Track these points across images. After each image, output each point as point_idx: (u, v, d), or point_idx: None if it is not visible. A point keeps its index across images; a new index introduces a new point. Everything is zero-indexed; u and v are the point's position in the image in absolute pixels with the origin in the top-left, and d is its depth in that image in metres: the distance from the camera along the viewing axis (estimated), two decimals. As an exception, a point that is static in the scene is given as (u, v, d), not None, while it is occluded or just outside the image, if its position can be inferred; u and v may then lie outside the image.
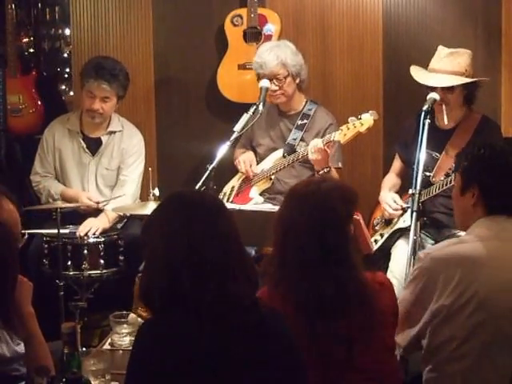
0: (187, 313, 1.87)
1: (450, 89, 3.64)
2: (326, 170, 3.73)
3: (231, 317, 1.89)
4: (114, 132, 4.20)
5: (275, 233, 2.29)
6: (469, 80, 3.67)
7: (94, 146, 4.19)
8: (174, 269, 1.87)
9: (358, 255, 2.30)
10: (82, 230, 3.91)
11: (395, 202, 3.81)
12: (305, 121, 4.05)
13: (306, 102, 4.11)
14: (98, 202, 4.03)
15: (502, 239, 2.34)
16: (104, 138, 4.18)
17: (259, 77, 3.97)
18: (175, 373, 1.84)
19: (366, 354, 2.22)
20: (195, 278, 1.86)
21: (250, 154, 4.17)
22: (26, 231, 3.86)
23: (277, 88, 3.95)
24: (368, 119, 3.59)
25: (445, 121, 3.66)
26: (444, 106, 3.65)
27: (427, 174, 3.68)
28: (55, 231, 3.66)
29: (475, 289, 2.25)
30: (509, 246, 2.34)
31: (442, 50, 3.74)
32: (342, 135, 3.63)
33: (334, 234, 2.22)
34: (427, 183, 3.67)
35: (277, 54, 3.93)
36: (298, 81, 4.01)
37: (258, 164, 4.13)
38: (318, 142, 3.69)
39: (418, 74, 3.76)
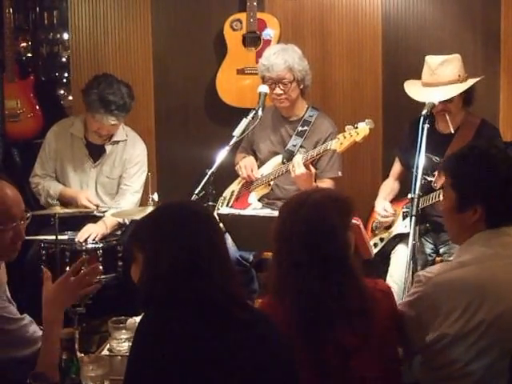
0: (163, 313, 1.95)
1: (450, 99, 3.65)
2: None
3: (210, 317, 1.94)
4: (118, 141, 4.18)
5: (273, 245, 2.28)
6: (466, 86, 3.68)
7: (96, 153, 4.18)
8: (152, 273, 1.99)
9: (358, 263, 2.29)
10: (81, 235, 3.90)
11: (385, 210, 3.87)
12: (305, 127, 4.03)
13: (308, 108, 4.09)
14: (97, 205, 4.02)
15: (503, 257, 2.28)
16: (108, 148, 4.16)
17: (264, 80, 3.94)
18: (172, 369, 1.89)
19: (365, 362, 2.20)
20: (172, 281, 1.96)
21: (251, 159, 4.15)
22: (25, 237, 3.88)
23: (281, 92, 3.93)
24: (364, 128, 3.58)
25: (451, 129, 3.66)
26: (447, 116, 3.66)
27: (428, 178, 3.69)
28: (53, 237, 3.65)
29: (481, 317, 2.19)
30: (510, 265, 2.28)
31: (431, 61, 3.72)
32: (338, 144, 3.62)
33: (330, 243, 2.20)
34: (428, 188, 3.67)
35: (284, 58, 3.90)
36: (301, 86, 3.99)
37: (258, 168, 4.11)
38: (298, 159, 3.70)
39: (415, 93, 3.76)
